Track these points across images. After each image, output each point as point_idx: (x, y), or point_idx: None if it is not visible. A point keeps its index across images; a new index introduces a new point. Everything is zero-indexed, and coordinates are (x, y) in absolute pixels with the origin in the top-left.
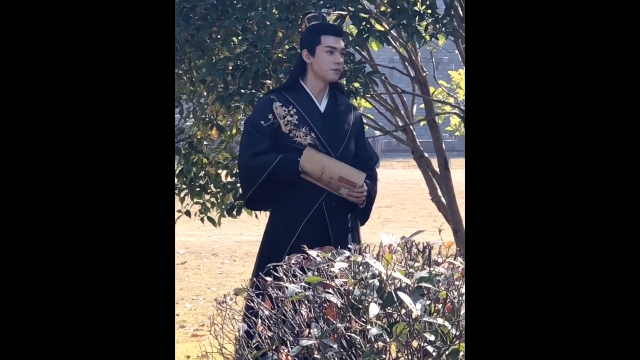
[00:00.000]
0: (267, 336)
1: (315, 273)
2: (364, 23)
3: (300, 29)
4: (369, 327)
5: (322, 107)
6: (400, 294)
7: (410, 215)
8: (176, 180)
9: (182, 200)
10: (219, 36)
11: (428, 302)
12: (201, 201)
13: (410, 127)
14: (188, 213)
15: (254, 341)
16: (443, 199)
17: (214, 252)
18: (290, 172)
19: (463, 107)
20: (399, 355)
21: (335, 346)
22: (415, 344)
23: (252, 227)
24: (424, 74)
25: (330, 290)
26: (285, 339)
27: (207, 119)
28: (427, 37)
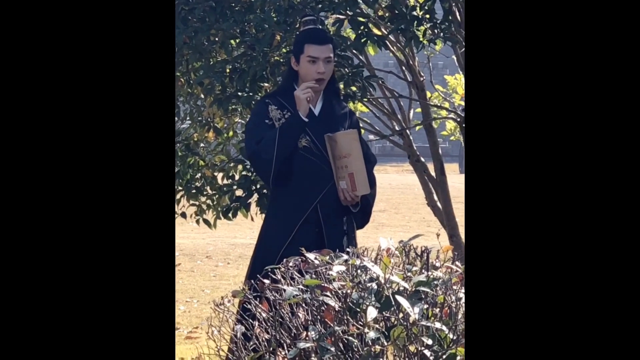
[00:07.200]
0: (264, 339)
1: (313, 276)
2: (362, 27)
3: (298, 32)
4: (366, 330)
5: (316, 110)
6: (398, 297)
7: (404, 219)
8: None
9: (178, 202)
10: (217, 39)
11: (426, 306)
12: (197, 203)
13: (407, 131)
14: (184, 215)
15: (251, 343)
16: (439, 204)
17: (207, 254)
18: (294, 122)
19: (459, 112)
20: (396, 359)
21: (332, 349)
22: (412, 348)
23: (245, 229)
24: (422, 79)
25: (328, 293)
26: (282, 341)
27: (204, 121)
28: (425, 42)
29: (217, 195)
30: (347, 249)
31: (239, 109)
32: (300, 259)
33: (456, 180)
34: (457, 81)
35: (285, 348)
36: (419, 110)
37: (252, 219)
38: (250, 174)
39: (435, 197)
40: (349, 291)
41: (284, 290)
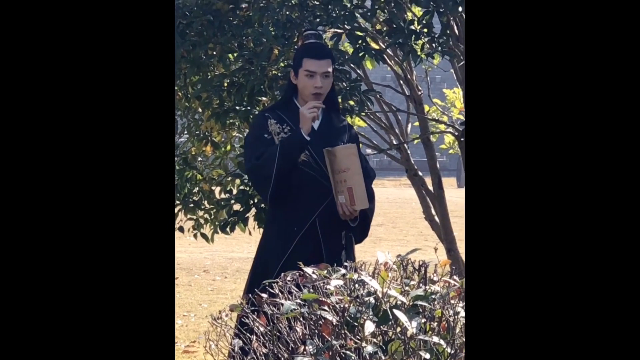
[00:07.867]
0: (261, 353)
1: (311, 290)
2: (359, 41)
3: (296, 47)
4: (364, 344)
5: (315, 124)
6: (395, 311)
7: (401, 234)
8: None
9: (175, 216)
10: (214, 52)
11: (423, 320)
12: (194, 217)
13: (405, 145)
14: (181, 229)
15: (249, 358)
16: (436, 218)
17: (205, 268)
18: (296, 140)
19: (457, 126)
20: None
21: None
22: None
23: (243, 244)
24: (419, 93)
25: (326, 308)
26: (280, 355)
27: (201, 135)
28: (423, 56)
29: (214, 210)
30: (345, 263)
31: (237, 123)
32: (298, 273)
33: (454, 194)
34: (455, 95)
35: None
36: (416, 124)
37: (250, 233)
38: (248, 188)
39: (433, 211)
40: (346, 305)
41: (282, 304)
